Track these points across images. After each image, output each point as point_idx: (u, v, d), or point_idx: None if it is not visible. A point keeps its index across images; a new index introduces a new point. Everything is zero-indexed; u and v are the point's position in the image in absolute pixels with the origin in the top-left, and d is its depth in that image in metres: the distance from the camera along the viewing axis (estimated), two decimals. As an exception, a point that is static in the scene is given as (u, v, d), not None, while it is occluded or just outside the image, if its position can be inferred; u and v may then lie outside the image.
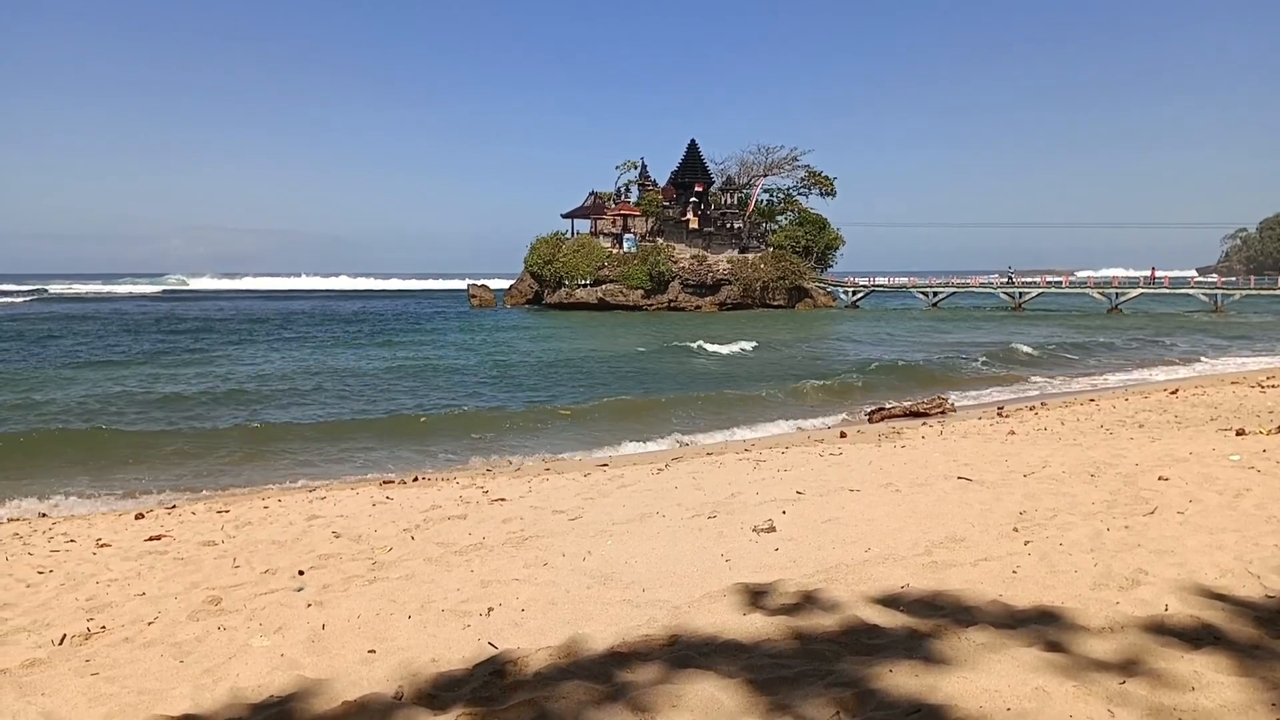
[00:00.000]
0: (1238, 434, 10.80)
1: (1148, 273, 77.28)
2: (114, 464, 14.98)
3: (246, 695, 4.32)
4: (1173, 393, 19.69)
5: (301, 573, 6.79)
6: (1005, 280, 75.10)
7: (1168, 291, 70.73)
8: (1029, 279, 76.75)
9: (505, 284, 79.74)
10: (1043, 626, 4.45)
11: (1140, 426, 13.59)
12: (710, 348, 36.50)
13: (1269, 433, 10.75)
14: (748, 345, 37.81)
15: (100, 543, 8.57)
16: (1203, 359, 33.33)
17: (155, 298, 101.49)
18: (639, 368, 30.53)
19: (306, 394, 23.74)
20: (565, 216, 75.32)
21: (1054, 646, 4.14)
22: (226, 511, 10.32)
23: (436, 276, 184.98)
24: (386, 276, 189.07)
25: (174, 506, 11.46)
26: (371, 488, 12.23)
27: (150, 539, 8.59)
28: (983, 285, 75.26)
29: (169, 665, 4.86)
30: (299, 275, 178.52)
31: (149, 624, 5.68)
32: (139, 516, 10.38)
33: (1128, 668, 3.83)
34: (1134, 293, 69.04)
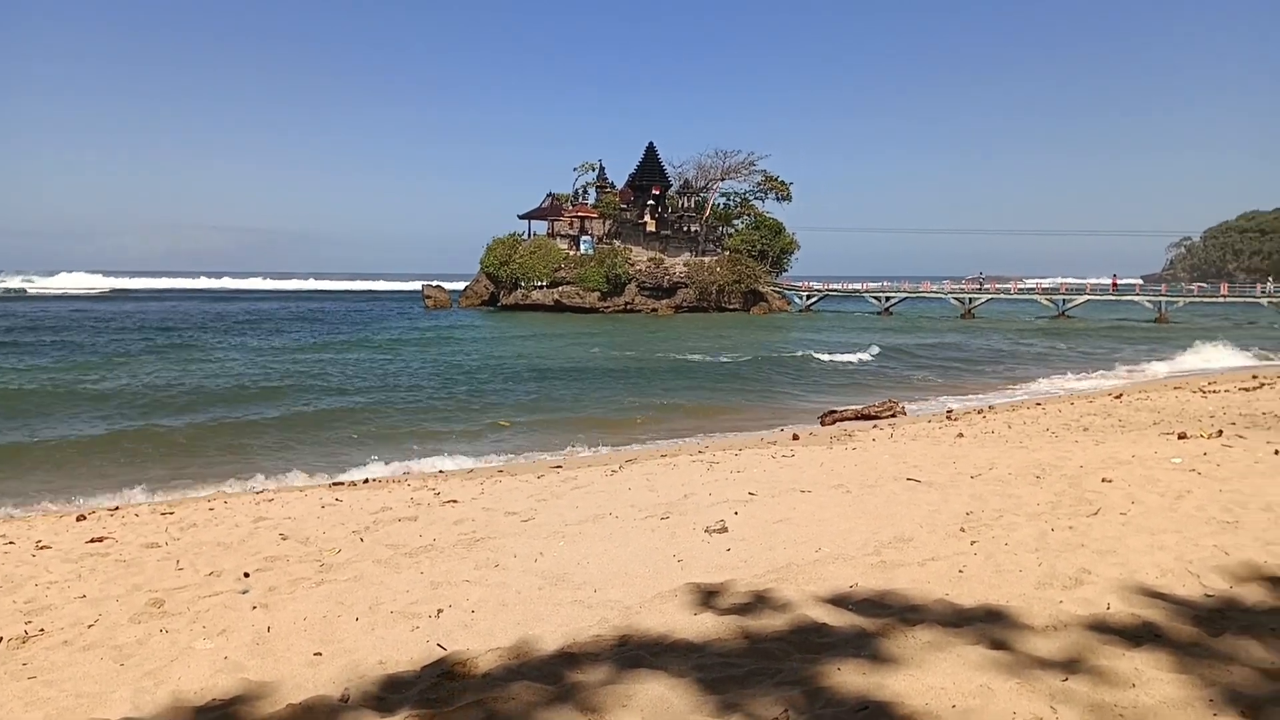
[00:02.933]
0: (1179, 437, 11.04)
1: (1109, 280, 78.89)
2: (54, 466, 14.64)
3: (189, 699, 4.24)
4: (1116, 397, 20.09)
5: (247, 575, 6.68)
6: (977, 285, 76.22)
7: (1113, 298, 72.15)
8: (1002, 285, 77.78)
9: (461, 285, 79.20)
10: (988, 625, 4.52)
11: (1085, 430, 13.85)
12: (685, 356, 36.59)
13: (1209, 436, 11.00)
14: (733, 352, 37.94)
15: (40, 545, 8.35)
16: (1146, 364, 34.06)
17: (98, 297, 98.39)
18: (593, 369, 30.49)
19: (246, 397, 23.10)
20: (522, 218, 75.04)
21: (999, 644, 4.20)
22: (171, 513, 10.13)
23: (390, 277, 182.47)
24: (337, 277, 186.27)
25: (116, 508, 11.22)
26: (320, 489, 12.08)
27: (92, 541, 8.40)
28: (934, 291, 76.24)
29: (109, 668, 4.75)
30: (250, 276, 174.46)
31: (89, 627, 5.56)
32: (80, 518, 10.14)
33: (1070, 665, 3.90)
34: (1080, 299, 70.38)
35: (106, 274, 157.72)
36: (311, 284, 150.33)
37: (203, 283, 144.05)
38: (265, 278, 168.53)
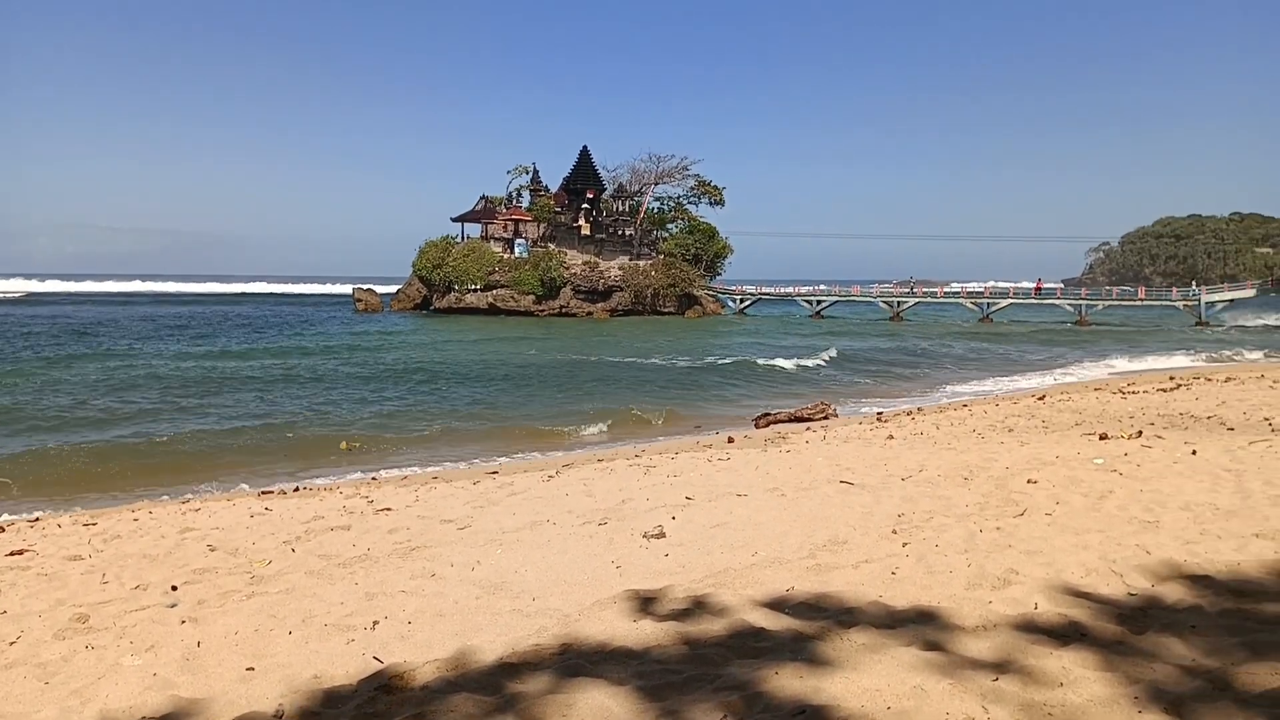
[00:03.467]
0: (1101, 438, 11.38)
1: (1033, 284, 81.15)
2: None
3: (117, 717, 4.13)
4: (1040, 399, 20.62)
5: (175, 588, 6.51)
6: (907, 289, 77.65)
7: (1035, 302, 74.02)
8: (929, 289, 79.30)
9: (393, 288, 78.17)
10: (921, 626, 4.61)
11: (1010, 431, 14.19)
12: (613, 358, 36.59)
13: (1130, 437, 11.36)
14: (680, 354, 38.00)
15: (-48, 560, 8.04)
16: (1068, 366, 35.05)
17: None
18: (529, 373, 30.35)
19: (165, 405, 22.30)
20: (455, 220, 74.36)
21: (931, 646, 4.29)
22: (94, 524, 9.82)
23: (317, 280, 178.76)
24: (263, 280, 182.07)
25: (36, 519, 10.84)
26: (249, 499, 11.82)
27: (11, 554, 8.09)
28: (862, 295, 77.45)
29: (33, 687, 4.59)
30: (170, 279, 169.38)
31: (10, 644, 5.36)
32: (-4, 531, 9.78)
33: (1000, 665, 4.00)
34: (1004, 303, 72.05)
35: (25, 277, 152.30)
36: (238, 287, 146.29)
37: (123, 286, 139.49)
38: (187, 281, 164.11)
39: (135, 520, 9.89)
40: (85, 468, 14.93)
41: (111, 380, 26.60)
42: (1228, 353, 38.55)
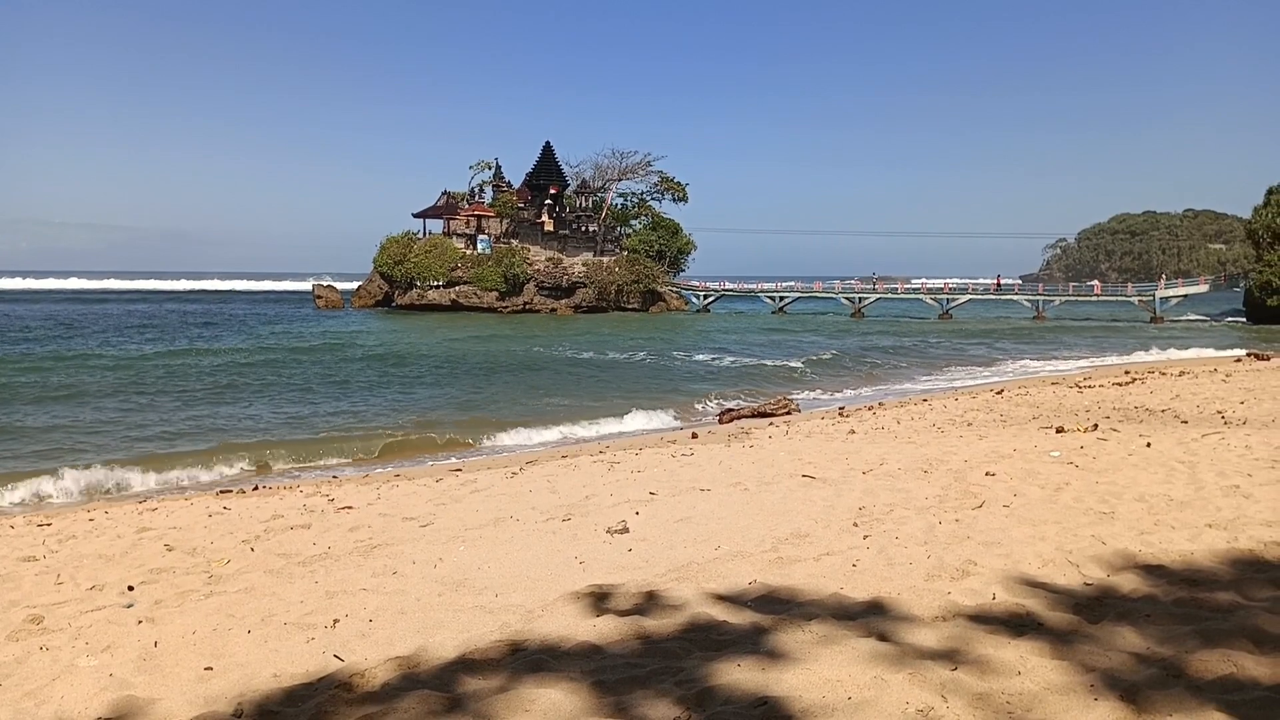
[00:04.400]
0: (1057, 431, 11.56)
1: (992, 280, 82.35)
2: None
3: (72, 717, 4.06)
4: (998, 393, 20.91)
5: (131, 588, 6.41)
6: (870, 285, 78.30)
7: (993, 298, 75.02)
8: (890, 285, 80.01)
9: (354, 285, 77.45)
10: (880, 618, 4.65)
11: (969, 425, 14.37)
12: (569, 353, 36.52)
13: (1085, 430, 11.54)
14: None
15: (-101, 562, 7.85)
16: (1025, 361, 35.55)
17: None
18: (494, 369, 30.22)
19: (117, 406, 21.72)
20: (417, 216, 73.75)
21: (891, 637, 4.34)
22: (48, 524, 9.65)
23: (276, 277, 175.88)
24: (224, 276, 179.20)
25: (-14, 521, 10.63)
26: (207, 498, 11.67)
27: (-41, 557, 7.93)
28: (824, 290, 77.96)
29: (-17, 690, 4.51)
30: (119, 276, 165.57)
31: (-40, 647, 5.25)
32: (-55, 533, 9.57)
33: (958, 655, 4.05)
34: (963, 299, 72.91)
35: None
36: (190, 284, 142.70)
37: (75, 283, 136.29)
38: (136, 278, 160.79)
39: (91, 520, 9.73)
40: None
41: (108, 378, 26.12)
42: (1179, 348, 39.27)
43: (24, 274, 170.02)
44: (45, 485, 13.19)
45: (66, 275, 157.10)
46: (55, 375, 26.75)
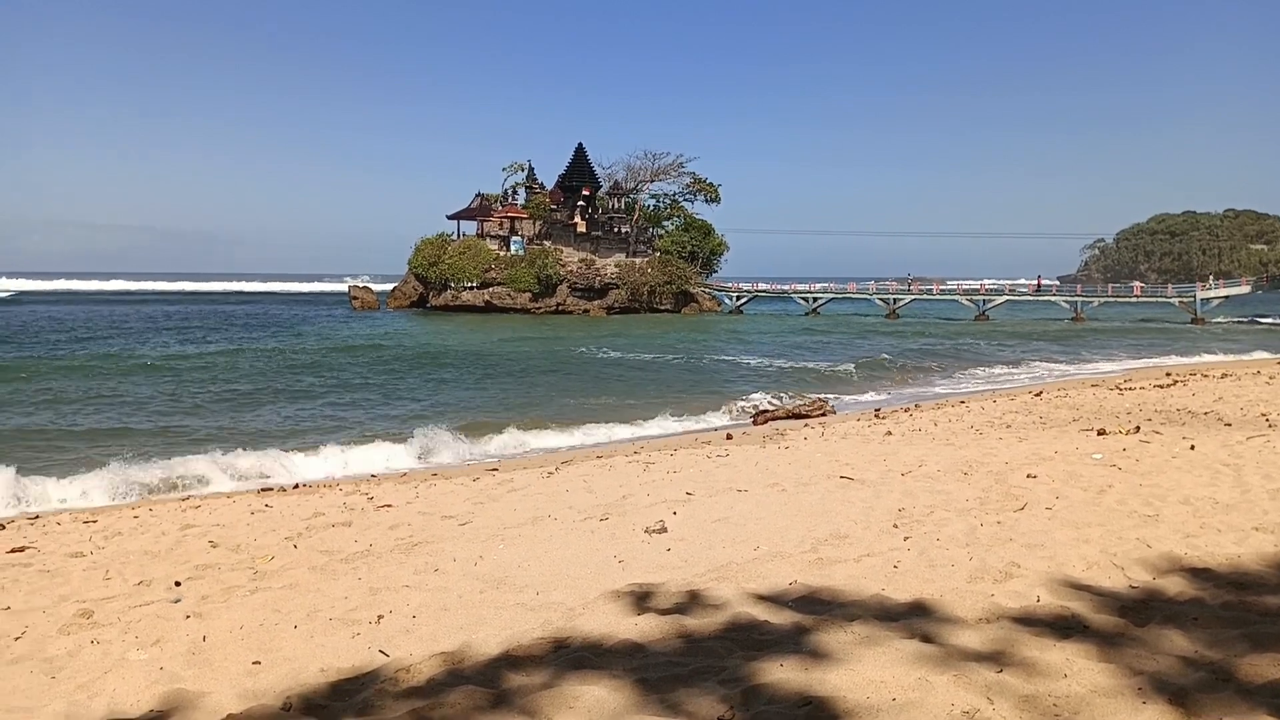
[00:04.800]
0: (1099, 434, 11.43)
1: (1032, 281, 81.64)
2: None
3: (125, 710, 4.14)
4: (1037, 395, 20.68)
5: (178, 584, 6.52)
6: (905, 286, 77.63)
7: (1031, 299, 74.16)
8: (925, 286, 79.11)
9: (388, 286, 78.05)
10: (923, 619, 4.63)
11: (1008, 427, 14.23)
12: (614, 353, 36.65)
13: (1127, 432, 11.40)
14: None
15: (-46, 557, 8.04)
16: (1063, 363, 35.13)
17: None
18: (534, 369, 30.36)
19: (160, 405, 22.15)
20: (451, 218, 74.21)
21: (934, 638, 4.31)
22: (94, 521, 9.83)
23: (314, 279, 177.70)
24: (265, 279, 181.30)
25: (36, 516, 10.84)
26: (249, 496, 11.83)
27: (12, 551, 8.10)
28: (858, 292, 77.43)
29: (40, 682, 4.61)
30: (157, 278, 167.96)
31: (16, 639, 5.36)
32: (-3, 528, 9.79)
33: (1003, 657, 4.02)
34: (999, 300, 72.09)
35: (10, 276, 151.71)
36: (225, 285, 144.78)
37: (118, 284, 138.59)
38: (175, 279, 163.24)
39: (135, 518, 9.90)
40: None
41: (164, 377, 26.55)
42: (1225, 351, 38.62)
43: (66, 275, 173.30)
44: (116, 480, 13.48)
45: (108, 277, 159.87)
46: (109, 380, 27.16)
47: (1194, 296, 66.81)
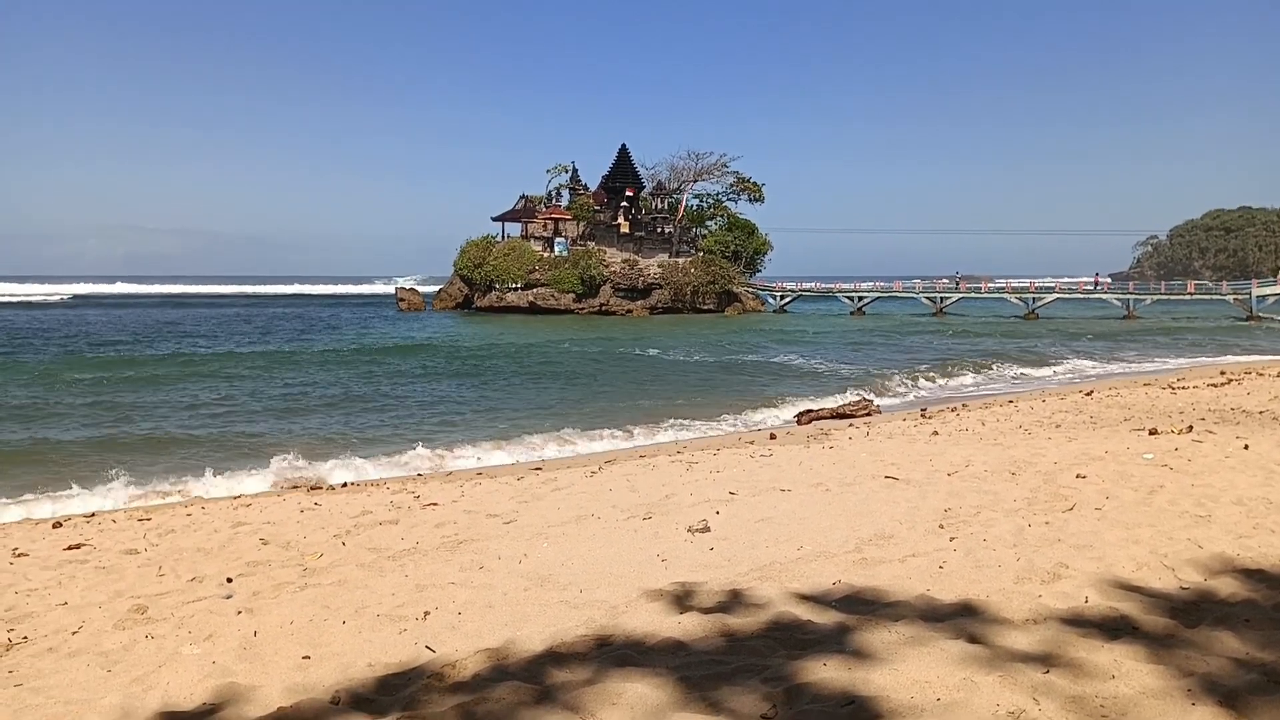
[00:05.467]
0: (1150, 433, 11.22)
1: (1089, 278, 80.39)
2: (23, 471, 14.45)
3: (179, 703, 4.24)
4: (1087, 394, 20.35)
5: (230, 580, 6.66)
6: (952, 284, 76.81)
7: (1081, 296, 72.93)
8: (973, 284, 78.09)
9: (434, 287, 78.84)
10: (969, 619, 4.59)
11: (1057, 426, 14.02)
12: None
13: (1180, 432, 11.18)
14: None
15: (17, 552, 8.27)
16: (1115, 361, 34.51)
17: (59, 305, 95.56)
18: (582, 370, 30.51)
19: (209, 407, 22.42)
20: (496, 220, 74.82)
21: (980, 639, 4.28)
22: (148, 519, 10.06)
23: (354, 280, 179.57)
24: (314, 280, 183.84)
25: (93, 515, 11.12)
26: (298, 494, 12.02)
27: (69, 548, 8.32)
28: (904, 290, 76.68)
29: (96, 675, 4.74)
30: (207, 282, 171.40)
31: (73, 633, 5.53)
32: (56, 525, 10.04)
33: (1050, 658, 3.98)
34: (1050, 298, 70.94)
35: (67, 280, 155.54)
36: (273, 289, 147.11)
37: (175, 288, 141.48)
38: (226, 282, 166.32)
39: (188, 515, 10.11)
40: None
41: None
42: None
43: (124, 279, 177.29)
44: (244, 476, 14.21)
45: (165, 280, 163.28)
46: (179, 384, 27.71)
47: (1249, 293, 65.30)
